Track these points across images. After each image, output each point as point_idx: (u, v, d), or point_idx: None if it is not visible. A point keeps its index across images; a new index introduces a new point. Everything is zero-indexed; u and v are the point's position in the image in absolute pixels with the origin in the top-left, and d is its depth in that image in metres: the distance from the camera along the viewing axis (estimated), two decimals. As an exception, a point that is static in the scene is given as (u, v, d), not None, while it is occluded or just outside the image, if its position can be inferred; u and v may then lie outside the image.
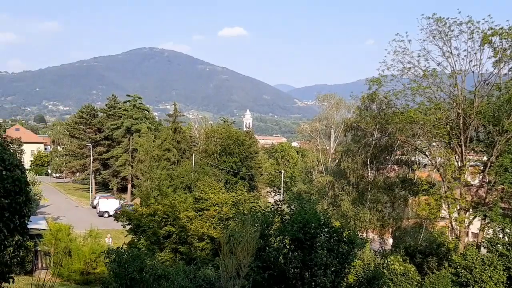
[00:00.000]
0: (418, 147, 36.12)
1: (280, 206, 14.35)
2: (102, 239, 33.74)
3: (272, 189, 77.94)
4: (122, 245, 17.32)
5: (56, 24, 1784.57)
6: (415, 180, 38.78)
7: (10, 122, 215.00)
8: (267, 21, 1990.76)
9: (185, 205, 25.05)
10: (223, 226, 22.09)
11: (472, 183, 34.04)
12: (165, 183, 51.01)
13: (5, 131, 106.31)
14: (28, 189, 10.29)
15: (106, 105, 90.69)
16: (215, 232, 22.33)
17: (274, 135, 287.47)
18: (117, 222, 28.33)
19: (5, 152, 9.76)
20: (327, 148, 55.74)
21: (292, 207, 14.01)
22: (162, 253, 22.46)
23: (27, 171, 11.86)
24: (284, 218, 13.77)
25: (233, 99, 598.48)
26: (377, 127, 37.79)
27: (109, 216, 60.28)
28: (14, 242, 9.75)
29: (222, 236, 11.73)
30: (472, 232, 40.74)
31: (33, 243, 29.98)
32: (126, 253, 10.54)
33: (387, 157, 41.45)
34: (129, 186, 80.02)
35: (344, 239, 13.86)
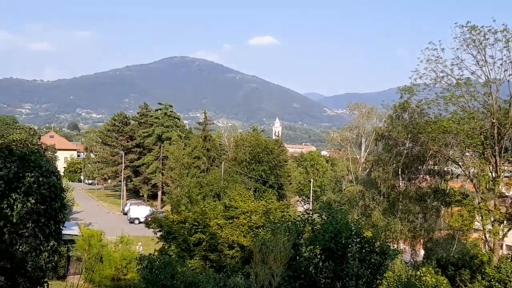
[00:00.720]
0: (451, 157, 35.40)
1: (311, 215, 14.22)
2: (132, 246, 34.06)
3: (301, 198, 77.77)
4: (154, 252, 17.48)
5: (90, 33, 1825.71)
6: (447, 190, 37.99)
7: (45, 129, 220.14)
8: (297, 30, 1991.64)
9: (215, 213, 25.12)
10: (253, 235, 22.02)
11: (507, 194, 33.13)
12: (195, 191, 51.34)
13: (40, 138, 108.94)
14: (63, 195, 10.49)
15: (138, 113, 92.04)
16: (245, 240, 22.28)
17: (303, 143, 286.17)
18: (148, 229, 28.59)
19: (42, 159, 9.98)
20: (358, 157, 55.16)
21: (323, 216, 13.88)
22: (192, 260, 22.53)
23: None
24: (315, 227, 13.64)
25: (262, 108, 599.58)
26: (409, 136, 37.19)
27: (140, 222, 60.94)
28: (49, 247, 9.93)
29: (253, 244, 11.68)
30: (506, 245, 39.62)
31: (65, 249, 30.46)
32: (158, 260, 10.60)
33: (419, 167, 40.72)
34: (160, 193, 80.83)
35: (376, 249, 13.64)
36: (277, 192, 58.28)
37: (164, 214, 31.10)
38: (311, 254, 13.20)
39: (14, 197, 8.86)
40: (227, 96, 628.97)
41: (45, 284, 9.96)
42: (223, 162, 65.91)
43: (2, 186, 8.76)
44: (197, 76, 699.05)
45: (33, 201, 9.12)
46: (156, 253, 19.48)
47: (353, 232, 13.43)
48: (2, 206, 8.73)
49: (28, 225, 9.06)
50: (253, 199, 27.33)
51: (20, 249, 8.92)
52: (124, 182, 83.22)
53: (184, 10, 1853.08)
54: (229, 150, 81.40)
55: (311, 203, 65.25)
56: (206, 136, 75.73)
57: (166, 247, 24.73)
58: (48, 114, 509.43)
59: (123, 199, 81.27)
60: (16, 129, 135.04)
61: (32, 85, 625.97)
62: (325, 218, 13.81)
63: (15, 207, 8.81)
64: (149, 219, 53.11)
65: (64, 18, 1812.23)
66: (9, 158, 9.11)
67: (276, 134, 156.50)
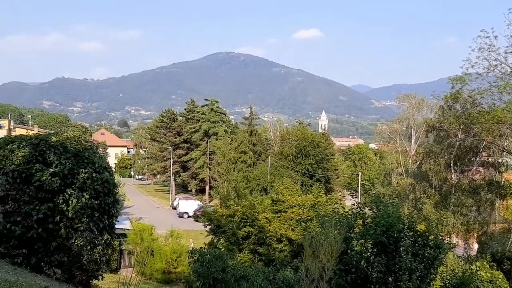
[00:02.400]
0: (506, 147, 34.04)
1: (362, 208, 13.97)
2: (182, 240, 34.61)
3: (349, 192, 76.87)
4: (205, 246, 17.67)
5: (138, 32, 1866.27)
6: (502, 182, 36.60)
7: (96, 126, 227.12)
8: (343, 22, 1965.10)
9: (262, 207, 25.15)
10: (302, 228, 21.91)
11: None
12: (242, 185, 51.60)
13: (91, 136, 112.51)
14: (115, 190, 10.72)
15: (185, 109, 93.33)
16: (293, 234, 22.21)
17: (350, 136, 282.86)
18: (198, 222, 28.97)
19: (95, 156, 10.24)
20: (407, 149, 53.87)
21: (374, 210, 13.60)
22: (241, 253, 22.66)
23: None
24: (366, 221, 13.38)
25: (308, 101, 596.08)
26: (461, 127, 36.03)
27: (189, 217, 61.92)
28: (103, 241, 10.19)
29: (303, 238, 11.58)
30: None
31: (118, 242, 31.25)
32: (209, 253, 10.69)
33: (472, 159, 39.43)
34: (207, 187, 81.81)
35: (430, 243, 13.25)
36: (325, 186, 57.72)
37: (213, 208, 31.45)
38: (362, 248, 12.97)
39: (69, 193, 9.11)
40: (272, 91, 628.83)
41: (100, 277, 10.22)
42: (269, 156, 65.95)
43: (57, 182, 9.02)
44: (242, 71, 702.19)
45: (87, 196, 9.36)
46: (206, 247, 19.69)
47: (406, 226, 13.09)
48: (58, 201, 8.99)
49: (83, 220, 9.30)
50: (301, 192, 27.17)
51: (76, 243, 9.16)
52: (173, 177, 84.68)
53: (229, 5, 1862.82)
54: (275, 144, 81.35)
55: (359, 196, 64.40)
56: (252, 130, 75.96)
57: (215, 240, 24.98)
58: (99, 112, 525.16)
59: (172, 193, 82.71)
60: (68, 127, 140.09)
61: (83, 84, 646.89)
62: (377, 211, 13.52)
63: (70, 202, 9.06)
64: (198, 213, 54.12)
65: (113, 18, 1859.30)
66: (64, 155, 9.37)
67: (323, 127, 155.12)
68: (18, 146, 9.41)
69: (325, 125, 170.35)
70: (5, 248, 9.02)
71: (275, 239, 22.66)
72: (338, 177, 70.40)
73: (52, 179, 8.99)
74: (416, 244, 13.11)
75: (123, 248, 32.22)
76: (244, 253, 22.98)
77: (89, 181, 9.49)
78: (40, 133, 12.31)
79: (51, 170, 9.05)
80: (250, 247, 23.25)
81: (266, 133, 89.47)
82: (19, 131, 64.48)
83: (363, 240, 13.12)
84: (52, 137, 9.92)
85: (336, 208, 20.49)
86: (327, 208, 22.94)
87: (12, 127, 73.24)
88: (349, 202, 56.67)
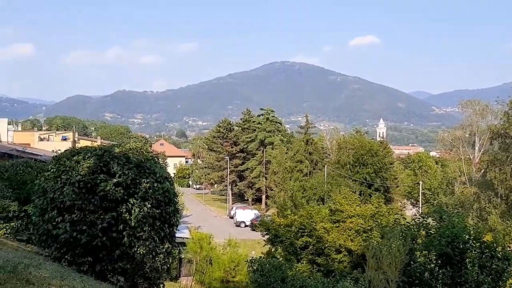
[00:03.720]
0: None
1: (425, 219, 13.52)
2: (240, 249, 34.72)
3: (409, 202, 74.71)
4: (263, 256, 17.61)
5: (195, 45, 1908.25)
6: None
7: (155, 137, 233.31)
8: (400, 27, 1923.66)
9: (320, 216, 24.86)
10: (361, 239, 21.47)
11: None
12: (298, 194, 51.27)
13: (151, 146, 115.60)
14: (176, 200, 10.90)
15: (241, 119, 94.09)
16: (353, 244, 21.78)
17: (410, 144, 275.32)
18: (255, 231, 28.98)
19: (156, 166, 10.46)
20: (471, 157, 51.84)
21: (438, 220, 13.14)
22: (300, 264, 22.44)
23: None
24: (430, 231, 12.93)
25: (365, 109, 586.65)
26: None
27: (246, 226, 62.15)
28: (164, 250, 10.35)
29: (365, 249, 11.32)
30: None
31: (177, 251, 31.72)
32: (268, 263, 10.63)
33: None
34: (264, 197, 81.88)
35: (498, 255, 12.63)
36: (384, 195, 56.39)
37: (270, 217, 31.39)
38: (426, 259, 12.54)
39: (132, 202, 9.33)
40: (328, 99, 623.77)
41: (161, 285, 10.39)
42: (326, 165, 65.28)
43: (121, 192, 9.27)
44: (298, 80, 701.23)
45: (149, 205, 9.55)
46: (264, 257, 19.66)
47: (472, 237, 12.55)
48: (121, 210, 9.23)
49: (145, 229, 9.49)
50: (359, 202, 26.66)
51: (138, 251, 9.35)
52: (230, 186, 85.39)
53: (284, 15, 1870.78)
54: (332, 153, 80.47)
55: (420, 206, 62.46)
56: (308, 139, 75.55)
57: (273, 250, 24.90)
58: (158, 123, 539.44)
59: (229, 203, 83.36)
60: (129, 138, 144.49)
61: (143, 96, 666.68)
62: (440, 222, 13.04)
63: (133, 211, 9.27)
64: (255, 222, 54.31)
65: (170, 31, 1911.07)
66: (127, 165, 9.62)
67: (381, 135, 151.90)
68: (83, 157, 9.75)
69: (383, 133, 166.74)
70: (71, 256, 9.34)
71: (333, 249, 22.29)
72: (397, 186, 68.66)
73: (116, 189, 9.24)
74: (483, 256, 12.55)
75: (183, 257, 32.65)
76: (302, 263, 22.75)
77: (150, 190, 9.68)
78: (104, 144, 12.75)
79: (115, 180, 9.31)
80: (308, 257, 23.00)
81: (323, 142, 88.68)
82: (83, 143, 67.17)
83: (426, 252, 12.69)
84: (116, 148, 10.21)
85: (397, 218, 19.96)
86: (388, 218, 22.35)
87: (76, 139, 76.37)
88: (409, 212, 55.04)
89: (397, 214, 24.48)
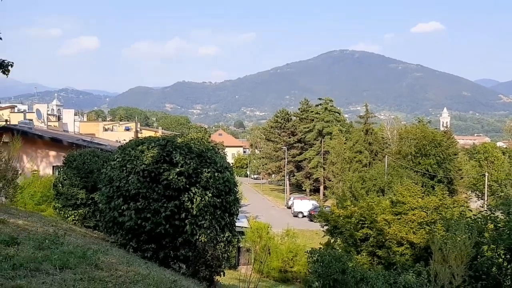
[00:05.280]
0: None
1: (493, 212, 12.93)
2: (298, 239, 34.76)
3: (474, 194, 71.92)
4: (322, 246, 17.52)
5: (253, 35, 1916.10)
6: None
7: (214, 127, 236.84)
8: (465, 13, 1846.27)
9: (380, 208, 24.40)
10: (425, 232, 20.88)
11: None
12: (357, 185, 50.57)
13: (210, 136, 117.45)
14: (236, 189, 10.99)
15: (299, 109, 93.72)
16: (415, 237, 21.21)
17: (475, 134, 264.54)
18: (312, 222, 28.87)
19: (217, 156, 10.59)
20: (542, 148, 49.17)
21: (507, 213, 12.52)
22: (359, 256, 22.16)
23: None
24: (498, 225, 12.36)
25: (428, 98, 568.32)
26: None
27: (303, 216, 62.06)
28: (224, 238, 10.50)
29: (431, 242, 10.99)
30: None
31: (236, 240, 32.09)
32: (328, 254, 10.55)
33: None
34: (321, 187, 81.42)
35: None
36: (447, 187, 54.56)
37: (329, 208, 31.18)
38: (493, 254, 12.02)
39: (193, 191, 9.50)
40: (389, 88, 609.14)
41: (222, 273, 10.54)
42: (386, 156, 63.93)
43: (183, 181, 9.45)
44: (357, 69, 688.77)
45: (210, 194, 9.69)
46: (323, 247, 19.55)
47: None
48: (183, 199, 9.42)
49: (206, 217, 9.64)
50: (422, 194, 25.92)
51: (199, 239, 9.52)
52: (287, 176, 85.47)
53: (343, 3, 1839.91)
54: (393, 143, 78.72)
55: (486, 199, 60.02)
56: (367, 129, 74.31)
57: (331, 241, 24.72)
58: (216, 113, 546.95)
59: (286, 193, 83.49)
60: (189, 128, 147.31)
61: (202, 87, 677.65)
62: (509, 215, 12.42)
63: (194, 200, 9.44)
64: (313, 213, 54.11)
65: (229, 22, 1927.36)
66: (188, 155, 9.79)
67: (444, 125, 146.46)
68: (147, 147, 10.00)
69: (447, 122, 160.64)
70: (136, 242, 9.65)
71: (395, 242, 21.81)
72: (461, 178, 66.22)
73: (178, 178, 9.43)
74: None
75: (241, 246, 33.09)
76: (362, 255, 22.43)
77: (211, 180, 9.81)
78: (165, 134, 13.02)
79: (177, 169, 9.49)
80: (369, 249, 22.63)
81: (383, 131, 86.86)
82: (145, 133, 69.17)
83: (494, 246, 12.17)
84: (178, 138, 10.41)
85: (462, 211, 19.23)
86: (452, 210, 21.58)
87: (138, 129, 78.73)
88: (474, 204, 53.02)
89: (462, 206, 23.59)
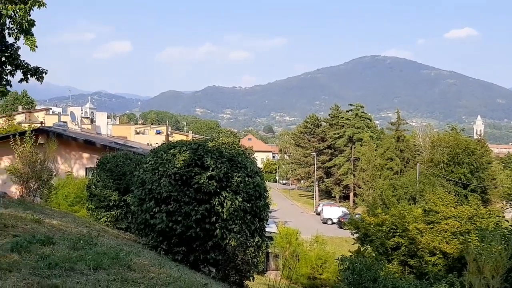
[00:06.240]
0: None
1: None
2: (327, 246, 34.44)
3: (509, 204, 70.03)
4: (352, 254, 17.30)
5: (284, 40, 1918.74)
6: None
7: (243, 132, 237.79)
8: (501, 19, 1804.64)
9: (412, 217, 23.99)
10: (458, 242, 20.41)
11: None
12: (388, 193, 49.87)
13: (239, 141, 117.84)
14: (266, 194, 10.96)
15: (329, 114, 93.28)
16: (448, 247, 20.76)
17: (510, 143, 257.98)
18: (342, 229, 28.59)
19: (247, 160, 10.58)
20: None
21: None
22: (390, 264, 21.80)
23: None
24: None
25: (461, 105, 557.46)
26: None
27: (333, 223, 61.56)
28: (254, 243, 10.47)
29: (465, 252, 10.72)
30: None
31: (265, 245, 31.93)
32: (359, 262, 10.42)
33: None
34: (351, 194, 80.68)
35: None
36: (481, 196, 53.25)
37: (360, 216, 30.83)
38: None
39: (224, 195, 9.51)
40: (421, 94, 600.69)
41: (251, 278, 10.52)
42: (418, 164, 62.89)
43: (214, 184, 9.47)
44: (389, 75, 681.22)
45: (240, 199, 9.68)
46: (353, 255, 19.32)
47: None
48: (214, 203, 9.43)
49: (236, 222, 9.62)
50: (455, 203, 25.37)
51: (229, 243, 9.52)
52: (316, 182, 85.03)
53: (375, 8, 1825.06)
54: (425, 151, 77.36)
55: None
56: (399, 136, 73.34)
57: (362, 249, 24.42)
58: (246, 118, 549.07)
59: (315, 199, 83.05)
60: (219, 132, 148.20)
61: (232, 91, 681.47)
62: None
63: (225, 204, 9.44)
64: (343, 220, 53.58)
65: (259, 27, 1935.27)
66: (219, 159, 9.82)
67: (478, 133, 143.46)
68: (179, 150, 10.07)
69: (481, 130, 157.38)
70: (166, 245, 9.70)
71: (427, 251, 21.39)
72: (496, 187, 64.57)
73: (209, 182, 9.45)
74: None
75: (270, 251, 32.94)
76: (393, 264, 22.06)
77: (242, 184, 9.80)
78: (195, 138, 13.11)
79: (208, 173, 9.52)
80: (400, 258, 22.25)
81: (415, 139, 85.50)
82: (176, 137, 69.84)
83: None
84: (209, 142, 10.46)
85: (498, 221, 18.73)
86: (487, 221, 21.04)
87: (169, 133, 79.57)
88: (508, 214, 51.56)
89: (497, 216, 23.00)
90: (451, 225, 21.79)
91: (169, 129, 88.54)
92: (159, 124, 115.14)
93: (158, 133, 73.45)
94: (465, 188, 56.51)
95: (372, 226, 24.08)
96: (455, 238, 21.14)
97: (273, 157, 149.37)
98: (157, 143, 29.42)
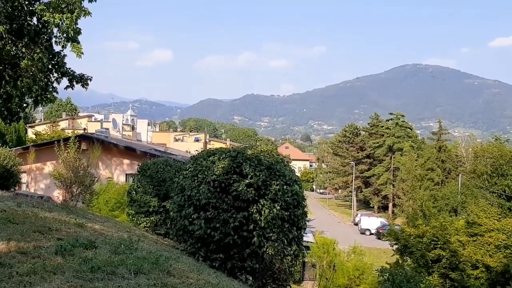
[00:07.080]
0: None
1: None
2: (365, 257, 33.88)
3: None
4: (391, 266, 16.93)
5: (323, 48, 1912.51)
6: None
7: (280, 140, 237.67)
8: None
9: (454, 229, 23.37)
10: (502, 255, 19.75)
11: None
12: (428, 204, 48.70)
13: (277, 149, 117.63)
14: (304, 203, 10.91)
15: (368, 123, 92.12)
16: (492, 260, 20.11)
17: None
18: (380, 240, 28.10)
19: (286, 169, 10.58)
20: None
21: None
22: (430, 277, 21.26)
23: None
24: None
25: (506, 115, 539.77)
26: None
27: (371, 234, 60.54)
28: (292, 252, 10.42)
29: (511, 266, 10.42)
30: None
31: (302, 254, 31.70)
32: (399, 273, 10.23)
33: None
34: (390, 205, 79.22)
35: None
36: (526, 209, 51.35)
37: (399, 227, 30.25)
38: None
39: (262, 203, 9.53)
40: (464, 104, 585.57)
41: (288, 287, 10.47)
42: (460, 175, 61.27)
43: (252, 192, 9.50)
44: (430, 84, 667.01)
45: (278, 207, 9.67)
46: (391, 267, 18.97)
47: None
48: (252, 210, 9.46)
49: (274, 230, 9.61)
50: (499, 216, 24.57)
51: (267, 251, 9.51)
52: (354, 192, 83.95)
53: (417, 16, 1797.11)
54: (467, 161, 75.29)
55: None
56: (440, 146, 71.76)
57: (401, 261, 23.93)
58: (283, 126, 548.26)
59: (353, 209, 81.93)
60: (256, 140, 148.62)
61: (270, 100, 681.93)
62: None
63: (263, 212, 9.45)
64: (381, 231, 52.63)
65: (299, 36, 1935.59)
66: (258, 167, 9.85)
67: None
68: (218, 158, 10.17)
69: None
70: (204, 251, 9.78)
71: (469, 264, 20.76)
72: (542, 201, 62.14)
73: (248, 189, 9.49)
74: None
75: (306, 261, 32.66)
76: (434, 277, 21.52)
77: (280, 193, 9.79)
78: (233, 146, 13.23)
79: (247, 181, 9.57)
80: (441, 271, 21.67)
81: (457, 149, 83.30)
82: (214, 144, 70.48)
83: None
84: (248, 150, 10.51)
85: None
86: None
87: (207, 140, 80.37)
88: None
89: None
90: (495, 238, 21.11)
91: (207, 137, 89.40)
92: (197, 132, 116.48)
93: (197, 140, 74.25)
94: (508, 201, 54.54)
95: (412, 238, 23.58)
96: (499, 251, 20.48)
97: (311, 166, 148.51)
98: (196, 151, 29.78)
